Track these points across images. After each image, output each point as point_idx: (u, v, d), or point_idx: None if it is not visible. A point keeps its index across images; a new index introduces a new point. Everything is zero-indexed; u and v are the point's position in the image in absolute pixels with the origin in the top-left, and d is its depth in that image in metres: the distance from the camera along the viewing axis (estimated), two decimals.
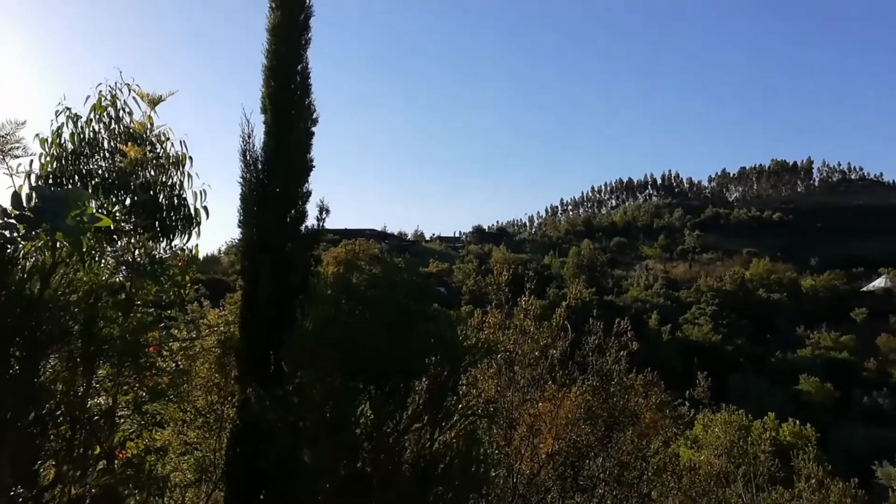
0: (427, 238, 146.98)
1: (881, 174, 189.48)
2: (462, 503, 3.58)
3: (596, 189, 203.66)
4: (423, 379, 3.96)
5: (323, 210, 5.27)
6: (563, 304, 8.70)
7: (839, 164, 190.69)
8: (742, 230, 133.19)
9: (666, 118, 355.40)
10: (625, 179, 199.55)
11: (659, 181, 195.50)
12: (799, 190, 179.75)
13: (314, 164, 5.46)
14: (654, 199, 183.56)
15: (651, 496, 7.55)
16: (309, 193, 5.32)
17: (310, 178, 5.39)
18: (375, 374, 3.73)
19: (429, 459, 3.69)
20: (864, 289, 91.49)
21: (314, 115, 5.71)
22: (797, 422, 22.69)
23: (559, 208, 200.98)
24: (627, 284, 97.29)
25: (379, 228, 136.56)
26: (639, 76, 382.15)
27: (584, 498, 7.09)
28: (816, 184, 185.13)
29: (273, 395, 3.36)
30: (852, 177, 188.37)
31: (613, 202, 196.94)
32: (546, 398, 7.77)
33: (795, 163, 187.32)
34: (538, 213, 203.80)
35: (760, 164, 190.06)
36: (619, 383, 7.55)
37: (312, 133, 5.66)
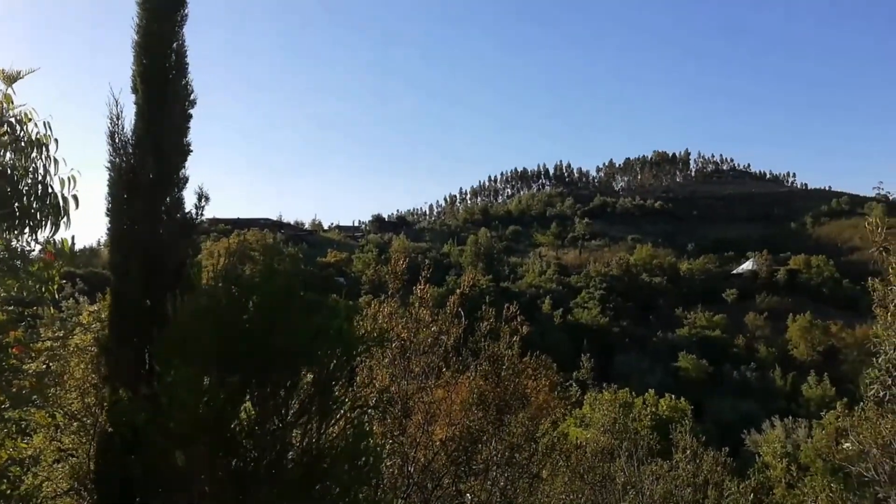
0: (325, 227, 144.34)
1: (748, 165, 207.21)
2: (350, 496, 3.50)
3: (493, 178, 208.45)
4: (310, 371, 3.85)
5: (202, 197, 4.98)
6: (458, 291, 8.80)
7: (713, 156, 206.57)
8: (627, 218, 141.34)
9: (559, 110, 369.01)
10: (520, 169, 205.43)
11: (552, 171, 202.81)
12: (678, 180, 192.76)
13: (192, 148, 5.14)
14: (548, 188, 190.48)
15: (541, 475, 7.83)
16: (186, 179, 5.00)
17: (187, 163, 5.07)
18: (257, 368, 3.57)
19: (315, 454, 3.58)
20: (734, 272, 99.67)
21: (192, 97, 5.37)
22: (674, 397, 24.35)
23: (458, 197, 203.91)
24: (522, 271, 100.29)
25: (274, 218, 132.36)
26: (534, 70, 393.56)
27: (477, 481, 7.23)
28: (693, 174, 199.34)
29: (142, 395, 3.13)
30: (724, 168, 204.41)
31: (509, 191, 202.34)
32: (440, 385, 7.83)
33: (675, 154, 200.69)
34: (438, 201, 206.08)
35: (644, 156, 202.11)
36: (511, 367, 7.73)
37: (190, 115, 5.32)
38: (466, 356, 8.26)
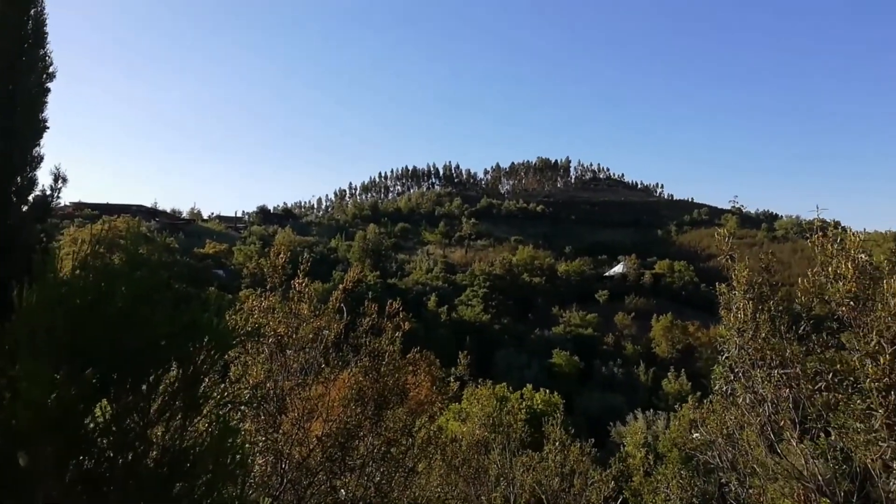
0: (205, 217, 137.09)
1: (623, 175, 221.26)
2: (214, 495, 3.39)
3: (383, 175, 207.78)
4: (175, 366, 3.68)
5: (59, 178, 4.60)
6: (341, 286, 8.74)
7: (591, 165, 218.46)
8: (511, 220, 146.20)
9: (449, 113, 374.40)
10: (410, 168, 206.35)
11: (441, 171, 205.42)
12: (559, 185, 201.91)
13: (48, 125, 4.73)
14: (437, 187, 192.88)
15: (416, 469, 7.96)
16: (40, 158, 4.60)
17: (42, 141, 4.66)
18: (116, 362, 3.37)
19: (177, 452, 3.43)
20: (607, 274, 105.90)
21: (50, 70, 4.95)
22: (548, 391, 25.50)
23: (347, 192, 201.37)
24: (410, 268, 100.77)
25: (149, 205, 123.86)
26: (426, 73, 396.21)
27: (353, 477, 7.22)
28: (573, 180, 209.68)
29: None
30: (601, 176, 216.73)
31: (399, 189, 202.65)
32: (319, 381, 7.74)
33: (556, 161, 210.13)
34: (327, 195, 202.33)
35: (528, 161, 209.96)
36: (392, 363, 7.78)
37: (47, 90, 4.90)
38: (347, 352, 8.23)
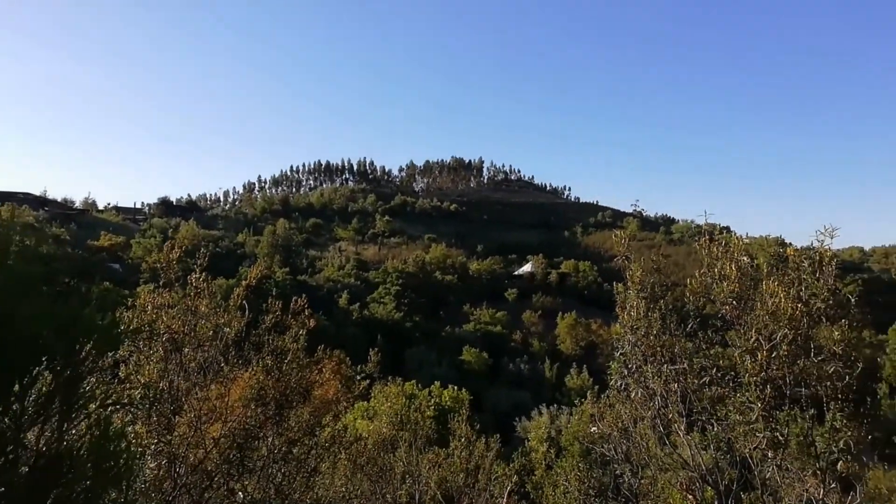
0: (101, 208, 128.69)
1: (533, 177, 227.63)
2: (94, 501, 3.19)
3: (295, 169, 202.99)
4: (55, 364, 3.43)
5: None
6: (244, 283, 8.45)
7: (503, 166, 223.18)
8: (425, 218, 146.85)
9: (366, 109, 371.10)
10: (324, 162, 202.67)
11: (355, 167, 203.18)
12: (472, 185, 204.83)
13: None
14: (351, 183, 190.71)
15: (318, 469, 7.82)
16: None
17: None
18: None
19: (53, 456, 3.21)
20: (516, 273, 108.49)
21: None
22: (457, 388, 25.79)
23: (257, 185, 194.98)
24: (321, 265, 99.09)
25: (37, 193, 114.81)
26: (340, 68, 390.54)
27: (252, 479, 7.00)
28: (486, 181, 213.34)
29: None
30: (513, 178, 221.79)
31: (312, 183, 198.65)
32: (218, 381, 7.46)
33: (470, 161, 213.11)
34: (235, 188, 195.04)
35: (443, 160, 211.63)
36: (294, 361, 7.61)
37: None
38: (249, 351, 7.97)
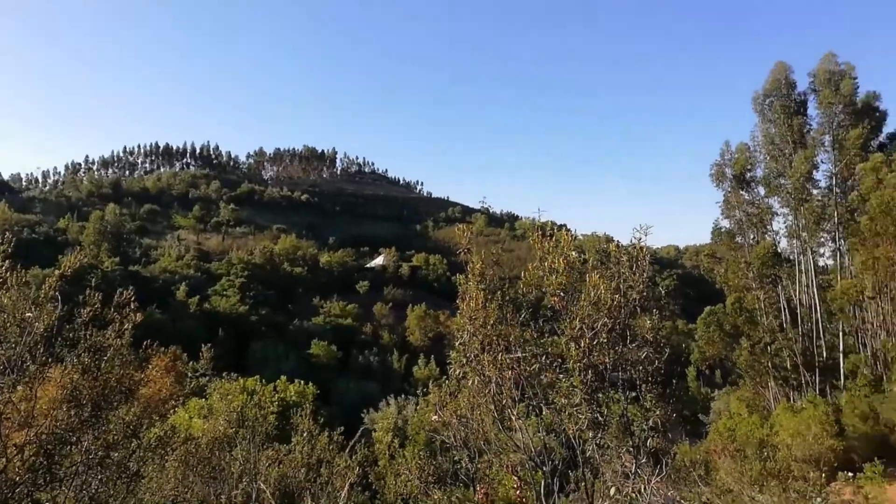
0: None
1: (386, 170, 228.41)
2: None
3: (129, 150, 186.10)
4: None
5: None
6: (57, 272, 7.61)
7: (357, 158, 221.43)
8: (274, 207, 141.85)
9: (212, 89, 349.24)
10: (162, 144, 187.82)
11: (198, 151, 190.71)
12: (324, 175, 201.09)
13: None
14: (192, 168, 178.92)
15: (141, 473, 7.25)
16: None
17: None
18: None
19: None
20: (368, 265, 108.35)
21: None
22: (304, 382, 25.25)
23: (83, 166, 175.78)
24: (157, 254, 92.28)
25: None
26: (190, 42, 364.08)
27: (63, 489, 6.33)
28: (339, 172, 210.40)
29: None
30: (366, 170, 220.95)
31: (148, 166, 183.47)
32: (23, 381, 6.64)
33: (323, 151, 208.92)
34: (56, 168, 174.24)
35: (294, 148, 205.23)
36: (115, 358, 6.98)
37: None
38: (61, 347, 7.18)
